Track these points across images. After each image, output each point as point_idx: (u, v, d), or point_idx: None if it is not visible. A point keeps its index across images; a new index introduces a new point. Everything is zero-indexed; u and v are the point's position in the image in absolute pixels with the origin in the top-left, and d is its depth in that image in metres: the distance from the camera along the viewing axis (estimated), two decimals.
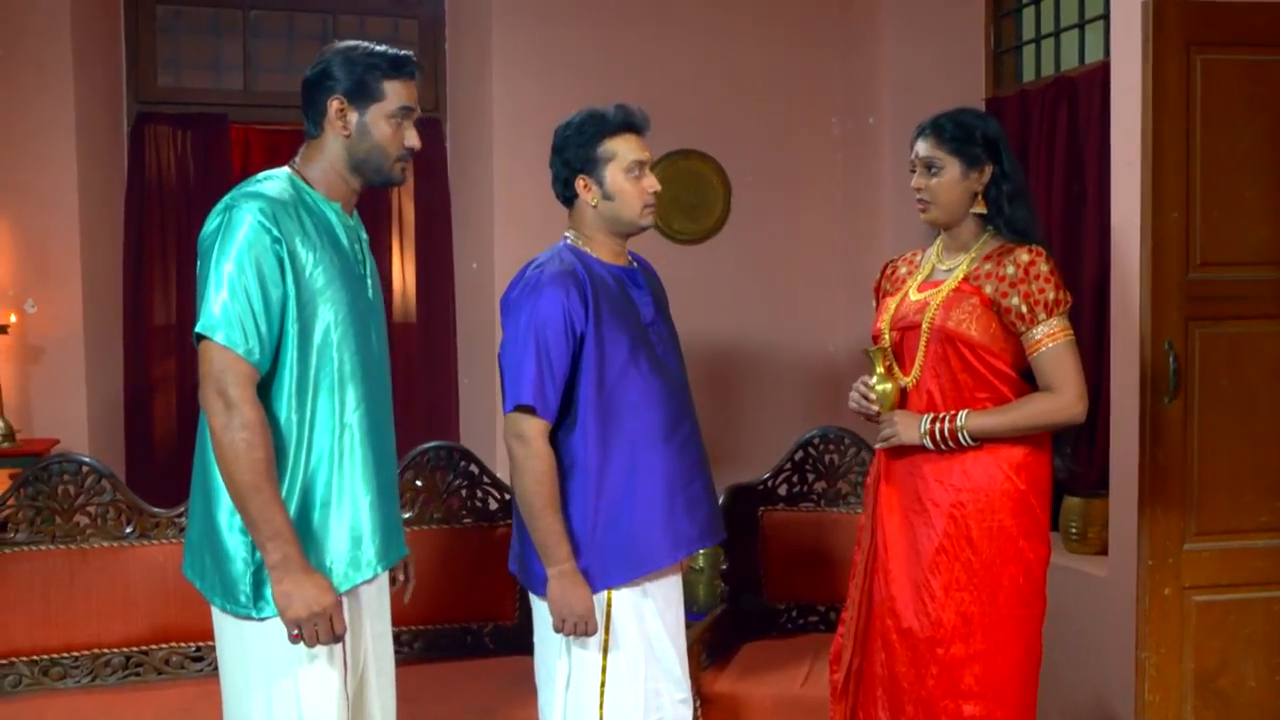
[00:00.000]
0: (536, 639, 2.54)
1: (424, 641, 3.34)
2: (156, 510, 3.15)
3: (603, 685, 2.43)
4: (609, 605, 2.44)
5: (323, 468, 2.16)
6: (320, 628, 2.07)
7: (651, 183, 2.50)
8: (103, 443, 4.20)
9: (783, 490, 3.57)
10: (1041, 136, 3.93)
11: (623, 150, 2.47)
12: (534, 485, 2.37)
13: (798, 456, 3.58)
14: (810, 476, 3.57)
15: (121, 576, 3.10)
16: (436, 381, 4.79)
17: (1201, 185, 2.90)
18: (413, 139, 2.24)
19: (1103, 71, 3.57)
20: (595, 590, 2.42)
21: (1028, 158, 4.03)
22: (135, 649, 3.12)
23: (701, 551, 4.20)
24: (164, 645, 3.14)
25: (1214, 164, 2.91)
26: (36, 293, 4.06)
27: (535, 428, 2.38)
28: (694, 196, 4.60)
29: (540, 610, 2.49)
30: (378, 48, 2.23)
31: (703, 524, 2.52)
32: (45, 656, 3.07)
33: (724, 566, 3.52)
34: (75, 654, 3.09)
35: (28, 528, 3.08)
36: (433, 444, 3.39)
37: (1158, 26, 2.87)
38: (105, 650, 3.10)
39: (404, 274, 4.83)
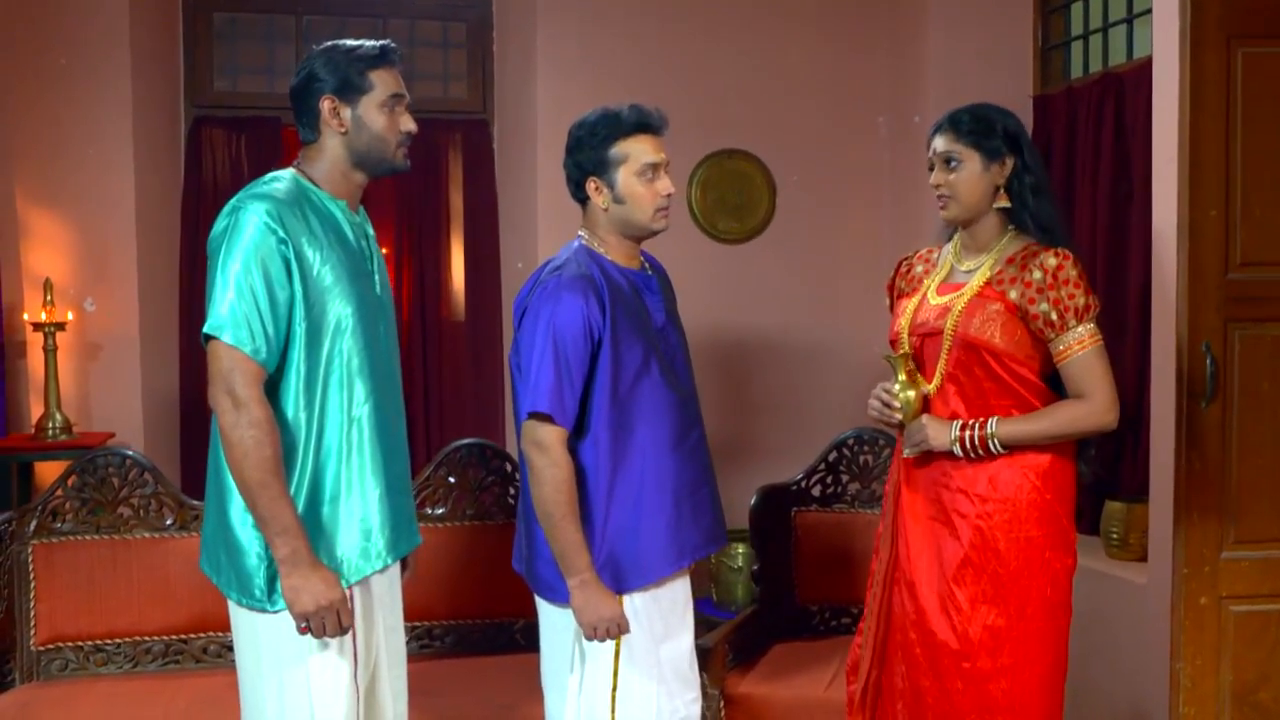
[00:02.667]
0: (543, 642, 2.55)
1: (455, 636, 3.38)
2: (195, 503, 3.23)
3: (614, 689, 2.42)
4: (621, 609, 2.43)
5: (331, 461, 2.20)
6: (328, 621, 2.12)
7: (665, 185, 2.45)
8: (158, 438, 4.33)
9: (816, 491, 3.54)
10: (1088, 134, 3.84)
11: (636, 152, 2.42)
12: (553, 494, 2.33)
13: (831, 457, 3.55)
14: (844, 478, 3.54)
15: (162, 567, 3.20)
16: (483, 380, 4.84)
17: (1243, 182, 2.82)
18: (408, 123, 2.28)
19: (1151, 67, 3.48)
20: (621, 592, 2.41)
21: (1075, 156, 3.95)
22: (175, 637, 3.21)
23: (740, 550, 4.21)
24: (202, 634, 3.22)
25: (1257, 160, 2.83)
26: (95, 291, 4.20)
27: (554, 435, 2.34)
28: (739, 196, 4.59)
29: (546, 613, 2.50)
30: (356, 42, 2.27)
31: (707, 530, 2.51)
32: (89, 642, 3.17)
33: (755, 567, 3.50)
34: (118, 641, 3.19)
35: (74, 518, 3.19)
36: (465, 441, 3.43)
37: (1197, 19, 2.80)
38: (146, 638, 3.20)
39: (452, 273, 4.89)
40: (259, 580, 2.18)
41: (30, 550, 3.15)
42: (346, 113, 2.24)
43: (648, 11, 4.49)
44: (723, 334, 4.55)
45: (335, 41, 2.28)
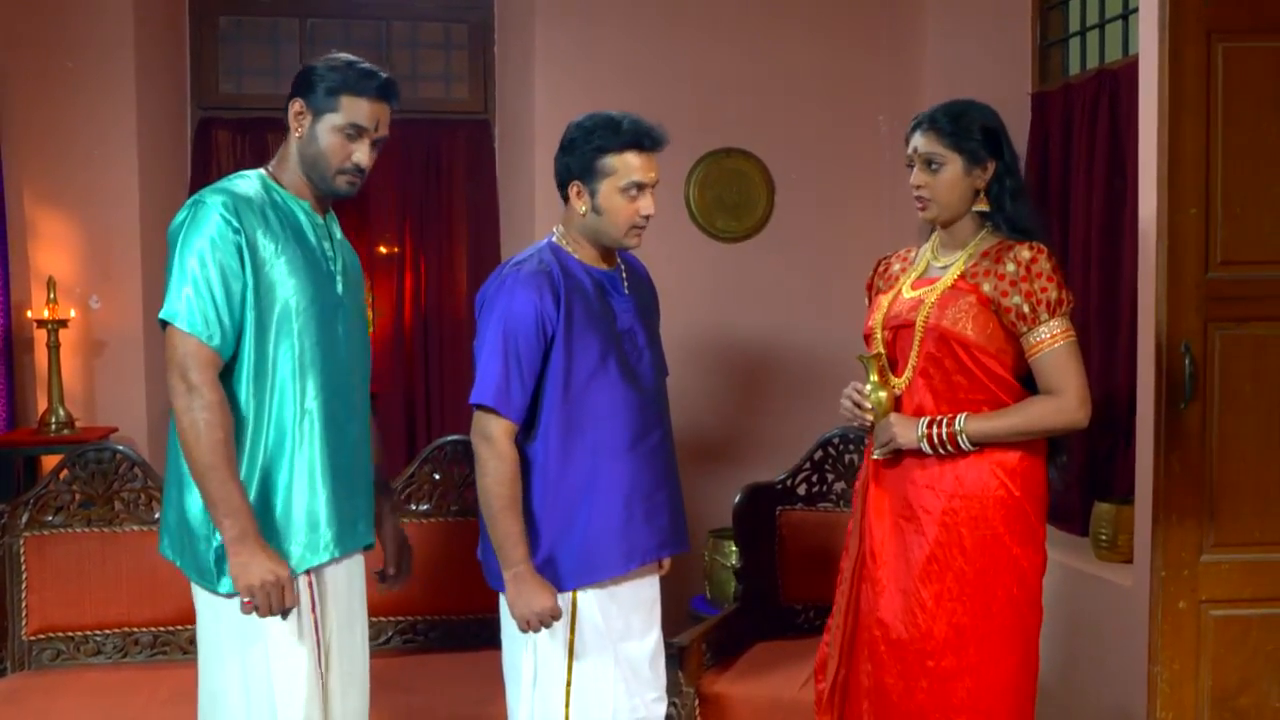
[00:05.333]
0: (503, 635, 2.56)
1: (439, 631, 3.41)
2: None
3: (568, 685, 2.44)
4: (574, 605, 2.44)
5: (283, 453, 2.24)
6: (273, 596, 2.15)
7: (647, 206, 2.43)
8: (161, 433, 4.39)
9: (801, 490, 3.54)
10: (1084, 131, 3.80)
11: (624, 168, 2.41)
12: (494, 486, 2.37)
13: (817, 456, 3.54)
14: (830, 476, 3.53)
15: (150, 559, 3.21)
16: None
17: (1224, 180, 2.76)
18: (360, 156, 2.28)
19: None
20: (562, 589, 2.43)
21: (1072, 153, 3.91)
22: (162, 629, 3.28)
23: (733, 548, 4.20)
24: (189, 626, 3.22)
25: (1238, 157, 2.77)
26: (100, 289, 4.27)
27: (501, 428, 2.37)
28: (737, 195, 4.58)
29: (505, 605, 2.51)
30: (356, 63, 2.29)
31: (663, 533, 2.51)
32: (79, 632, 3.24)
33: (738, 565, 3.50)
34: (107, 631, 3.25)
35: (66, 511, 3.25)
36: (449, 438, 3.47)
37: (1176, 14, 2.74)
38: (134, 629, 3.26)
39: (454, 272, 4.93)
40: (208, 564, 2.23)
41: (22, 542, 3.22)
42: (306, 121, 2.29)
43: (646, 13, 4.50)
44: (720, 333, 4.55)
45: (351, 57, 2.31)
